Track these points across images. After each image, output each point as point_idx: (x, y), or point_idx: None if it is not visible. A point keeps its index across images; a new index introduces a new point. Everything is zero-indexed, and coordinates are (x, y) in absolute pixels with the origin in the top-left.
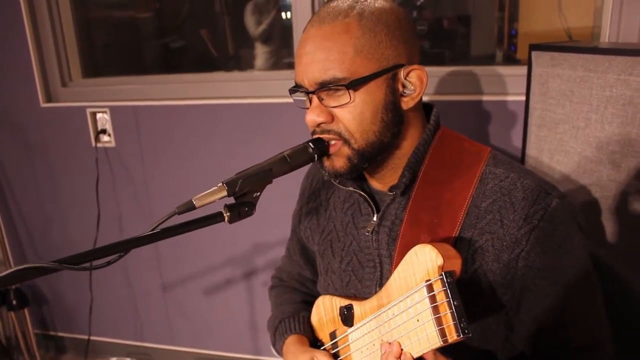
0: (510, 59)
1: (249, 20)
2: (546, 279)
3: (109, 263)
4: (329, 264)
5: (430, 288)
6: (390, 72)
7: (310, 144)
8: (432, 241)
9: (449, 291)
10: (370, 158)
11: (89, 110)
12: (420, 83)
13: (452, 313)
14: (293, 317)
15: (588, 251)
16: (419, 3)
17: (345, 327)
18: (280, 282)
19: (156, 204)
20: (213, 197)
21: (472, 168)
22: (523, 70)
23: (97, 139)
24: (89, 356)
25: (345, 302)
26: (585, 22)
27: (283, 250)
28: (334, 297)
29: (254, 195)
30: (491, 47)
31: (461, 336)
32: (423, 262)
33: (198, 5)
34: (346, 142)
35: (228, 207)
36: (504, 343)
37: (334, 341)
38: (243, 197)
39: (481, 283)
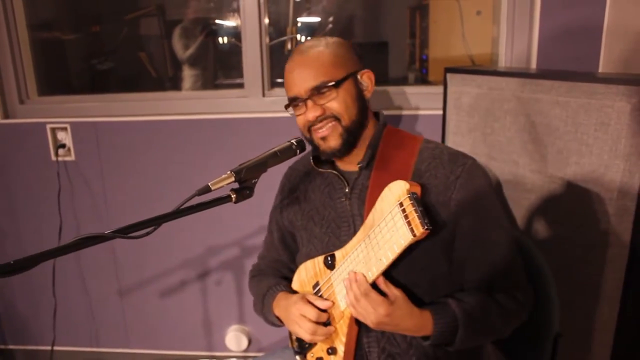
0: (422, 81)
1: (177, 44)
2: (471, 214)
3: (147, 234)
4: (312, 232)
5: (401, 204)
6: (354, 76)
7: (294, 142)
8: None
9: (415, 202)
10: (353, 134)
11: (49, 126)
12: (369, 81)
13: (417, 215)
14: (278, 284)
15: (498, 198)
16: (328, 28)
17: (329, 271)
18: (259, 272)
19: (115, 216)
20: (224, 182)
21: (412, 146)
22: (437, 89)
23: (57, 154)
24: None
25: (327, 254)
26: (485, 49)
27: (234, 251)
28: (314, 259)
29: (253, 182)
30: (405, 70)
31: (425, 228)
32: (395, 192)
33: (135, 29)
34: (338, 120)
35: (234, 190)
36: (450, 276)
37: (317, 288)
38: (245, 182)
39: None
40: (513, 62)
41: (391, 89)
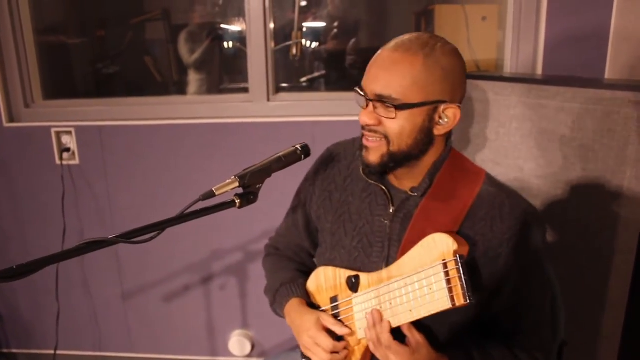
0: None
1: (183, 48)
2: (517, 275)
3: (151, 238)
4: (340, 240)
5: (445, 265)
6: (432, 105)
7: (299, 147)
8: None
9: (461, 269)
10: (398, 162)
11: (54, 130)
12: (453, 118)
13: (462, 285)
14: (293, 282)
15: (549, 262)
16: (333, 33)
17: (350, 293)
18: (276, 251)
19: (119, 219)
20: (228, 187)
21: (472, 184)
22: None
23: (61, 158)
24: None
25: (351, 272)
26: (490, 55)
27: (238, 256)
28: (338, 269)
29: (257, 187)
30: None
31: (467, 302)
32: (440, 245)
33: (140, 34)
34: (387, 142)
35: (238, 196)
36: (475, 320)
37: (334, 304)
38: (249, 188)
39: (471, 270)
40: (519, 67)
41: None
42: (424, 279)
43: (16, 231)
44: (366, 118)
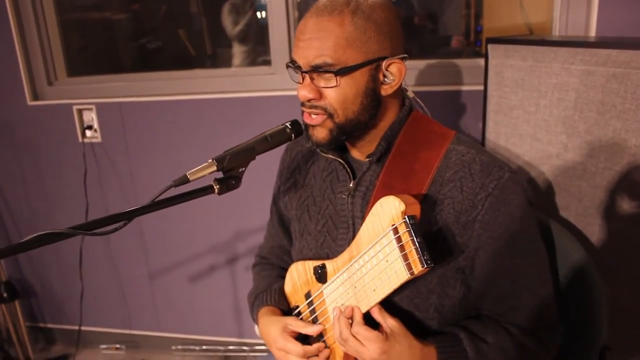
0: (476, 54)
1: (226, 20)
2: (498, 240)
3: (115, 229)
4: (305, 226)
5: (395, 231)
6: (373, 64)
7: (288, 125)
8: None
9: (412, 231)
10: (348, 133)
11: (75, 107)
12: (399, 74)
13: (416, 249)
14: (266, 291)
15: (535, 221)
16: None
17: (320, 285)
18: (261, 260)
19: (142, 196)
20: (204, 171)
21: (438, 145)
22: (481, 62)
23: (83, 135)
24: (79, 346)
25: (318, 262)
26: (544, 17)
27: (262, 237)
28: (306, 262)
29: (240, 170)
30: (459, 43)
31: (425, 267)
32: (388, 210)
33: (175, 7)
34: (330, 116)
35: (218, 181)
36: (462, 301)
37: (309, 300)
38: (230, 171)
39: (443, 241)
40: (569, 30)
41: (431, 63)
42: (379, 251)
43: (42, 208)
44: (306, 92)
